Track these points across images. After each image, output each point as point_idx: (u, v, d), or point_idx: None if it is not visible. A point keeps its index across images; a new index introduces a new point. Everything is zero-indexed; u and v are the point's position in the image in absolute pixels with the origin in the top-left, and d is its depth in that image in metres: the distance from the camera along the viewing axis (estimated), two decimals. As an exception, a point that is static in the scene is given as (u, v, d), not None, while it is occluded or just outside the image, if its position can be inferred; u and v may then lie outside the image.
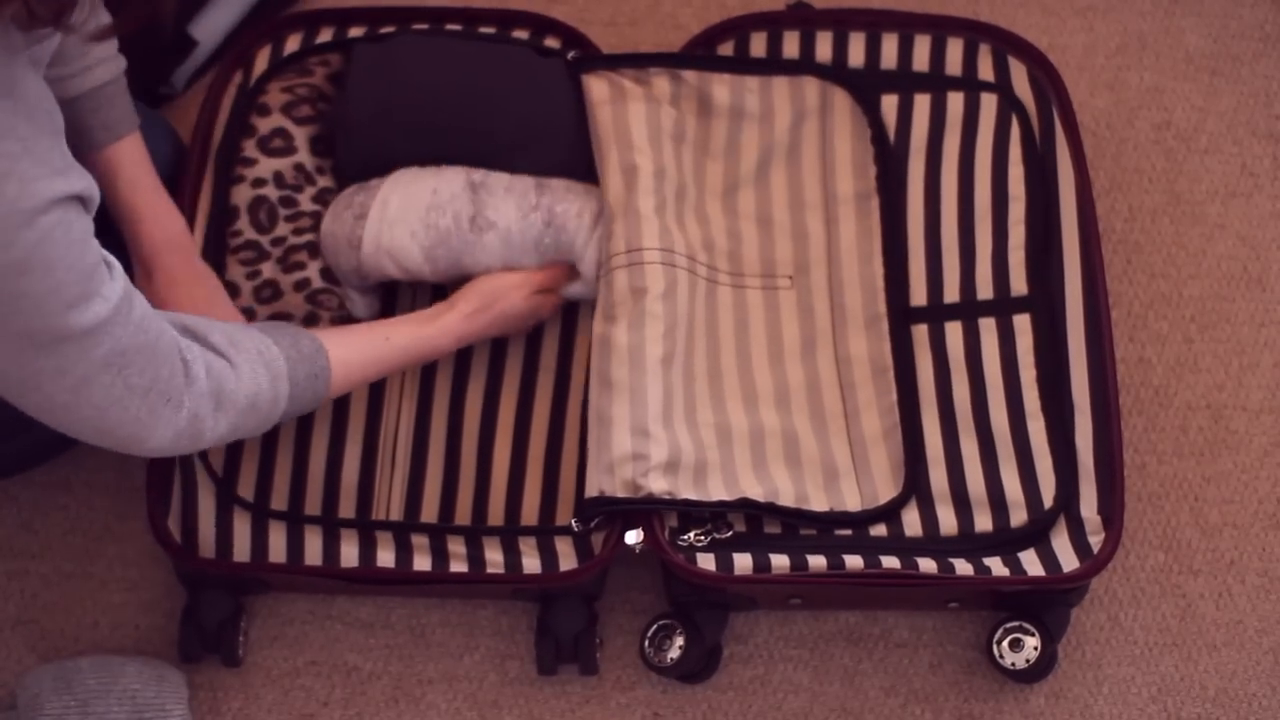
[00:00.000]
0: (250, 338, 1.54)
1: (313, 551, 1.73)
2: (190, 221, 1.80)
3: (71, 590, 1.83)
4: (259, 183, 1.80)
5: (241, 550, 1.74)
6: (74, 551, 1.84)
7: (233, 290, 1.76)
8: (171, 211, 1.71)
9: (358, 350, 1.64)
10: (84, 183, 1.35)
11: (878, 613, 1.81)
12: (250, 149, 1.81)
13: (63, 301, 1.33)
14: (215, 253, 1.79)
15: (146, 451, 1.48)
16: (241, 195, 1.80)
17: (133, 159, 1.69)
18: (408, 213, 1.77)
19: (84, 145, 1.65)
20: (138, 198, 1.69)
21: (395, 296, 1.86)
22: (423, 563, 1.72)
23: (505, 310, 1.76)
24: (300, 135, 1.83)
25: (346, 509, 1.77)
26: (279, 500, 1.77)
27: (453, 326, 1.72)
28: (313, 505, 1.77)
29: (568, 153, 1.83)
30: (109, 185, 1.67)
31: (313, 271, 1.78)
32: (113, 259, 1.39)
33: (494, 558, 1.73)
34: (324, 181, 1.82)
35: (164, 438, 1.46)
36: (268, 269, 1.77)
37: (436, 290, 1.85)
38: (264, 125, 1.82)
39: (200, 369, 1.47)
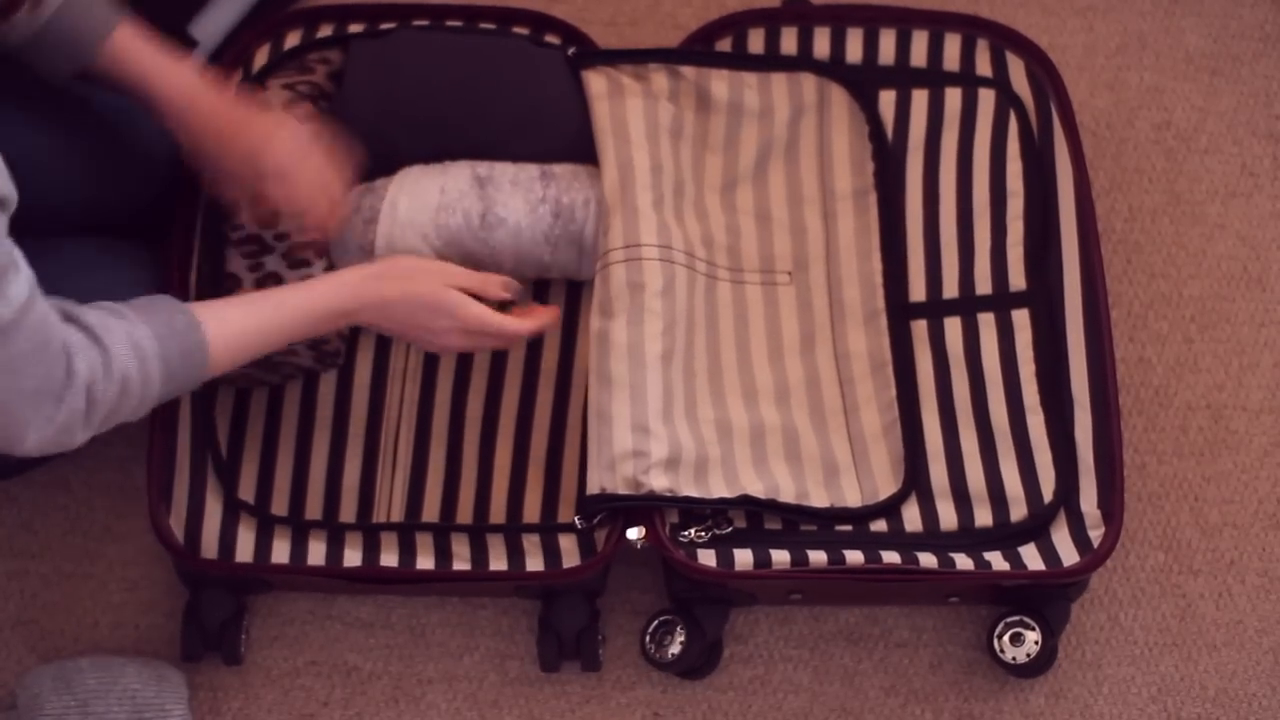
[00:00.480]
0: (121, 319, 1.47)
1: (316, 553, 1.73)
2: (192, 214, 1.79)
3: (71, 590, 1.83)
4: (264, 179, 1.80)
5: (245, 551, 1.73)
6: (74, 551, 1.84)
7: (235, 282, 1.76)
8: (182, 61, 1.67)
9: (241, 323, 1.56)
10: None
11: (878, 613, 1.81)
12: (254, 144, 1.81)
13: None
14: (215, 244, 1.79)
15: (22, 451, 1.42)
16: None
17: (126, 42, 1.63)
18: (417, 214, 1.77)
19: (78, 56, 1.61)
20: (144, 64, 1.63)
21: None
22: (426, 562, 1.73)
23: (416, 291, 1.63)
24: (303, 133, 1.83)
25: (348, 511, 1.77)
26: (279, 504, 1.77)
27: (350, 282, 1.61)
28: (314, 508, 1.77)
29: (570, 136, 1.83)
30: (117, 75, 1.63)
31: (317, 270, 1.77)
32: (21, 261, 1.34)
33: (497, 555, 1.73)
34: (328, 179, 1.83)
35: (43, 435, 1.41)
36: (271, 262, 1.77)
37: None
38: (266, 122, 1.82)
39: (81, 362, 1.42)
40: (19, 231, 1.71)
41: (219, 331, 1.53)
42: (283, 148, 1.68)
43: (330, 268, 1.78)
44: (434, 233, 1.77)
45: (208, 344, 1.51)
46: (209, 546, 1.73)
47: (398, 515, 1.77)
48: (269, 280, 1.76)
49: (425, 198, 1.77)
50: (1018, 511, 1.73)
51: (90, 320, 1.44)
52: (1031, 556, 1.70)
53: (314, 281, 1.62)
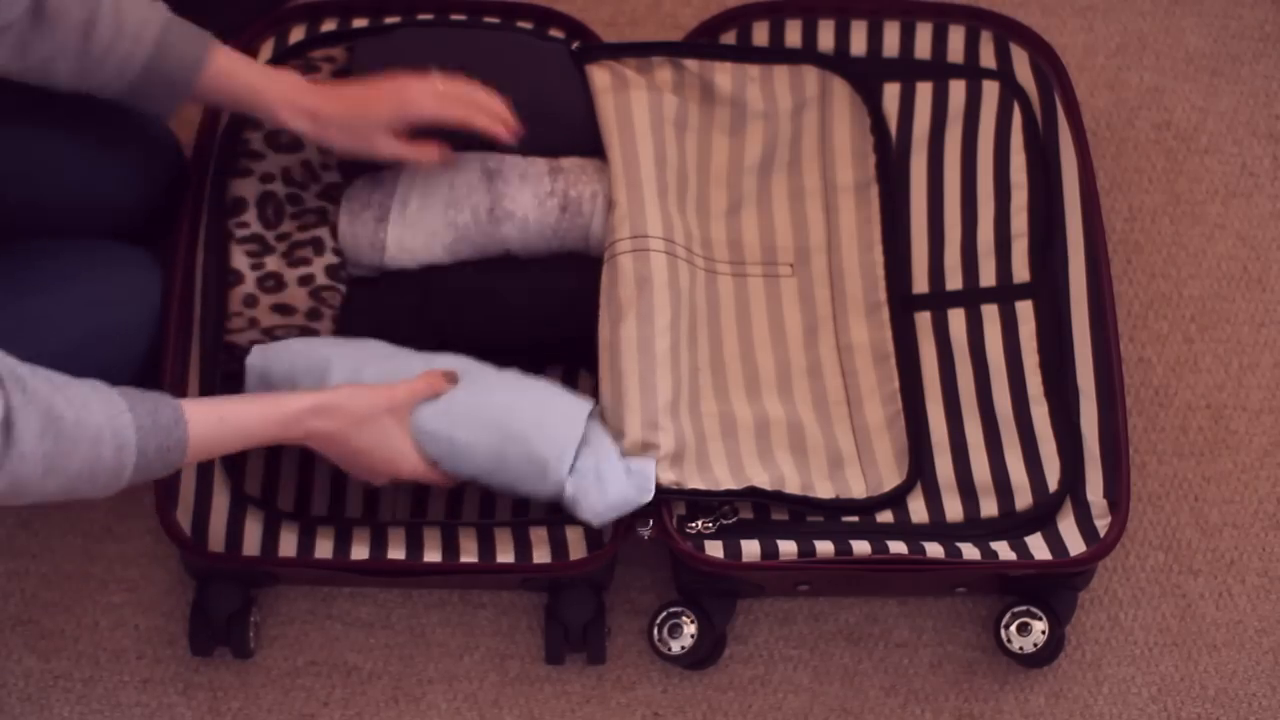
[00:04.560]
0: (102, 402, 1.45)
1: (324, 548, 1.72)
2: (196, 209, 1.79)
3: (71, 590, 1.82)
4: (268, 178, 1.80)
5: (252, 545, 1.73)
6: (74, 551, 1.84)
7: (236, 278, 1.76)
8: (279, 70, 1.71)
9: (229, 426, 1.55)
10: None
11: (878, 613, 1.81)
12: (258, 142, 1.81)
13: None
14: (219, 240, 1.78)
15: None
16: (249, 188, 1.80)
17: (221, 65, 1.64)
18: (427, 213, 1.77)
19: (178, 91, 1.63)
20: (248, 81, 1.66)
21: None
22: (433, 556, 1.72)
23: (379, 449, 1.65)
24: (308, 132, 1.83)
25: (354, 507, 1.77)
26: (286, 500, 1.77)
27: (313, 430, 1.61)
28: (320, 504, 1.77)
29: (575, 130, 1.83)
30: (217, 99, 1.67)
31: (317, 268, 1.77)
32: None
33: (504, 549, 1.73)
34: (329, 177, 1.82)
35: None
36: (272, 262, 1.77)
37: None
38: (271, 120, 1.83)
39: (27, 428, 1.38)
40: (20, 233, 1.71)
41: (200, 434, 1.52)
42: (419, 89, 1.71)
43: (330, 268, 1.78)
44: (444, 230, 1.77)
45: (189, 442, 1.51)
46: (216, 540, 1.73)
47: (404, 511, 1.77)
48: (269, 279, 1.76)
49: (435, 194, 1.78)
50: (1023, 501, 1.73)
51: (59, 399, 1.42)
52: (1038, 546, 1.71)
53: (285, 415, 1.59)
